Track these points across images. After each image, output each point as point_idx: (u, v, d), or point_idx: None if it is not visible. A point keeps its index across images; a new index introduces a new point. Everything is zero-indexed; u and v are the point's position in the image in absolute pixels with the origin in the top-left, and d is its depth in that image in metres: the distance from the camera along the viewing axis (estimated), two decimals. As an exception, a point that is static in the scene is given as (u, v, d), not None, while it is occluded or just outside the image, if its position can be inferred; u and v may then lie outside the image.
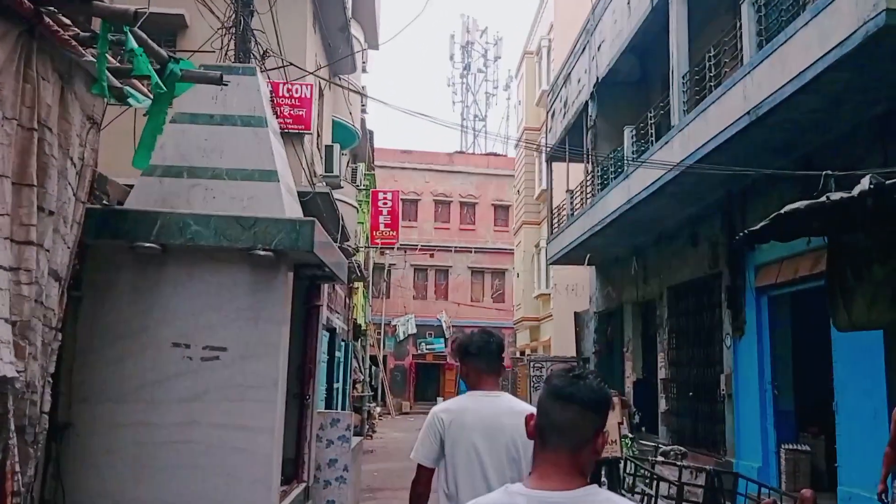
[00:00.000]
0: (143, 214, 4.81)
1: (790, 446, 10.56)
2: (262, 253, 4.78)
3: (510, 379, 27.20)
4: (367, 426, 23.43)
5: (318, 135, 15.78)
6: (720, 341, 12.12)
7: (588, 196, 16.44)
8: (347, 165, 21.40)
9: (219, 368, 4.80)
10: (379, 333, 38.83)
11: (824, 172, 6.04)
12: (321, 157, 14.69)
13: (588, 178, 16.59)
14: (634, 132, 13.43)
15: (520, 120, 31.55)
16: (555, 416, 1.92)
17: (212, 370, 4.80)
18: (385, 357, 39.32)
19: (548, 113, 21.11)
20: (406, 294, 40.38)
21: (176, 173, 5.38)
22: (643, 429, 15.59)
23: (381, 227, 20.14)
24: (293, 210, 5.76)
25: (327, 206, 13.73)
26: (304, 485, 6.22)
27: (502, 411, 3.28)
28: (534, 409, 2.05)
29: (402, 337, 40.16)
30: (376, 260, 38.17)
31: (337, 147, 14.60)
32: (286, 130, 12.70)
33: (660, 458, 7.16)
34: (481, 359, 3.41)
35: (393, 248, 23.34)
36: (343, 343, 21.79)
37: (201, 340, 4.82)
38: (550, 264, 20.28)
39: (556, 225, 19.98)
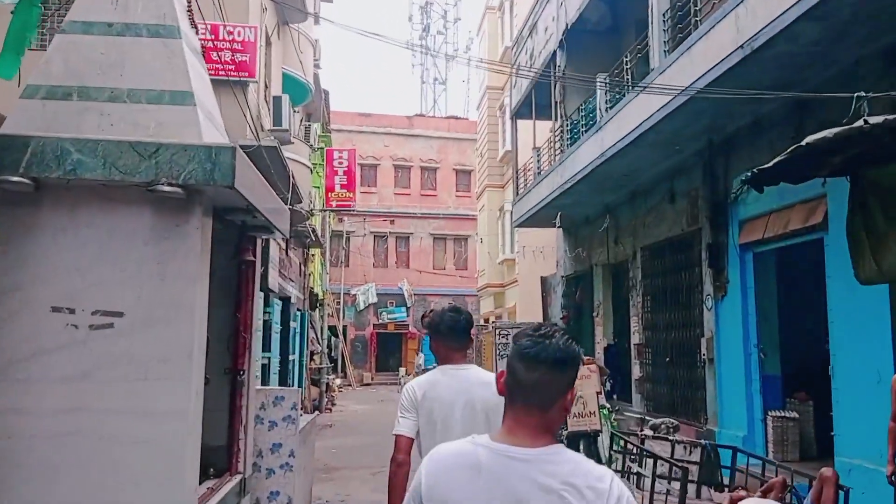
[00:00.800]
0: (6, 141, 3.70)
1: (777, 413, 9.83)
2: (167, 189, 3.72)
3: (475, 347, 26.38)
4: (326, 399, 22.47)
5: (266, 86, 14.56)
6: (700, 303, 11.32)
7: (556, 153, 15.49)
8: (301, 124, 20.19)
9: (113, 338, 3.74)
10: (338, 303, 37.76)
11: (856, 94, 5.11)
12: (269, 111, 13.49)
13: (556, 133, 15.63)
14: (608, 80, 12.46)
15: (481, 80, 30.43)
16: (522, 375, 1.92)
17: (104, 341, 3.74)
18: (345, 327, 38.30)
19: (512, 67, 20.04)
20: (366, 262, 39.30)
21: (63, 95, 4.26)
22: (615, 396, 14.83)
23: (337, 189, 18.99)
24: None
25: (276, 161, 12.57)
26: (239, 476, 5.20)
27: (472, 383, 3.43)
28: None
29: (362, 306, 39.13)
30: (334, 227, 37.00)
31: (286, 99, 13.42)
32: (228, 78, 11.52)
33: (648, 433, 6.32)
34: (451, 336, 3.54)
35: (350, 211, 22.19)
36: (299, 312, 20.71)
37: (90, 303, 3.75)
38: (517, 227, 19.38)
39: (522, 186, 19.04)
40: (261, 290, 13.02)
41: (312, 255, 25.10)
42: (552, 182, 15.43)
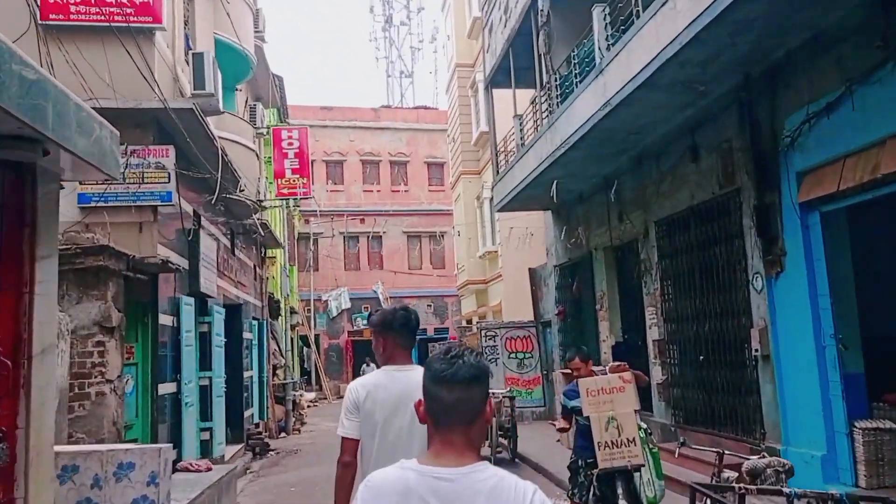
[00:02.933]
0: None
1: (867, 424, 7.37)
2: None
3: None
4: (294, 419, 19.78)
5: (191, 47, 11.89)
6: (745, 284, 8.85)
7: (544, 115, 12.95)
8: (246, 106, 17.53)
9: None
10: (309, 311, 35.07)
11: None
12: (189, 72, 10.83)
13: (543, 93, 13.10)
14: (608, 11, 9.95)
15: (449, 58, 27.89)
16: (443, 397, 1.99)
17: None
18: (318, 336, 35.65)
19: (484, 29, 17.53)
20: (336, 265, 36.63)
21: None
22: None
23: (288, 174, 16.33)
24: None
25: (196, 131, 9.93)
26: None
27: (415, 384, 2.78)
28: None
29: (334, 313, 36.45)
30: (300, 229, 34.34)
31: (209, 56, 10.78)
32: (127, 24, 8.88)
33: (749, 485, 3.84)
34: (402, 334, 3.50)
35: (304, 198, 19.49)
36: (255, 322, 18.03)
37: None
38: (499, 211, 16.84)
39: (503, 164, 16.51)
40: (190, 294, 10.36)
41: (272, 256, 22.43)
42: (540, 152, 12.91)
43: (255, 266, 18.36)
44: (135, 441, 8.62)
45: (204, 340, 12.04)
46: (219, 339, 12.41)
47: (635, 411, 6.44)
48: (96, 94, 8.93)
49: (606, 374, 6.77)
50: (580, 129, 10.70)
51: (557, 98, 12.22)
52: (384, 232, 37.62)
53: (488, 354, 18.40)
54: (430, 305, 37.80)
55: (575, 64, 11.20)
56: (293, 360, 31.32)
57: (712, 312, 9.70)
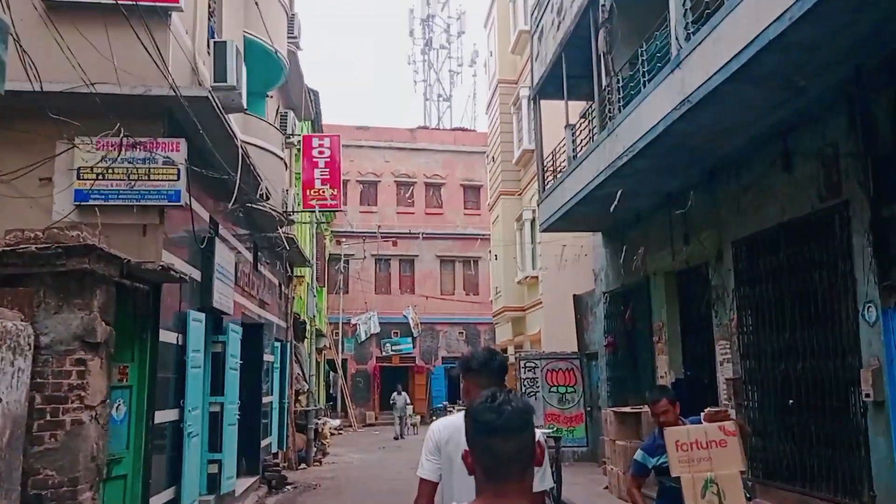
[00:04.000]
0: None
1: None
2: None
3: (491, 382, 22.31)
4: (316, 448, 18.44)
5: (214, 36, 10.79)
6: (853, 315, 7.37)
7: (604, 121, 11.61)
8: (277, 113, 16.44)
9: None
10: (337, 334, 33.85)
11: None
12: (210, 64, 9.69)
13: (601, 97, 11.78)
14: (688, -5, 8.63)
15: (491, 74, 26.75)
16: (496, 450, 1.92)
17: None
18: (345, 361, 34.36)
19: (532, 36, 16.30)
20: (367, 288, 35.37)
21: None
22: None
23: (318, 185, 15.13)
24: None
25: (213, 126, 8.76)
26: None
27: None
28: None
29: (363, 337, 35.16)
30: (331, 250, 33.25)
31: (232, 45, 9.64)
32: (136, 3, 7.76)
33: None
34: (482, 375, 3.42)
35: (336, 220, 18.31)
36: (278, 343, 16.79)
37: None
38: (544, 231, 15.46)
39: (549, 181, 15.19)
40: (201, 309, 9.13)
41: (300, 275, 21.26)
42: (596, 163, 11.57)
43: (280, 284, 17.16)
44: (123, 478, 7.34)
45: (217, 362, 10.80)
46: (234, 361, 11.16)
47: (741, 473, 5.02)
48: (103, 80, 7.82)
49: (701, 422, 5.37)
50: (649, 133, 9.34)
51: (619, 102, 10.89)
52: (417, 255, 36.39)
53: (527, 387, 17.00)
54: (462, 333, 36.43)
55: (643, 61, 9.87)
56: (319, 386, 30.04)
57: (806, 349, 8.22)
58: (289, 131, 15.33)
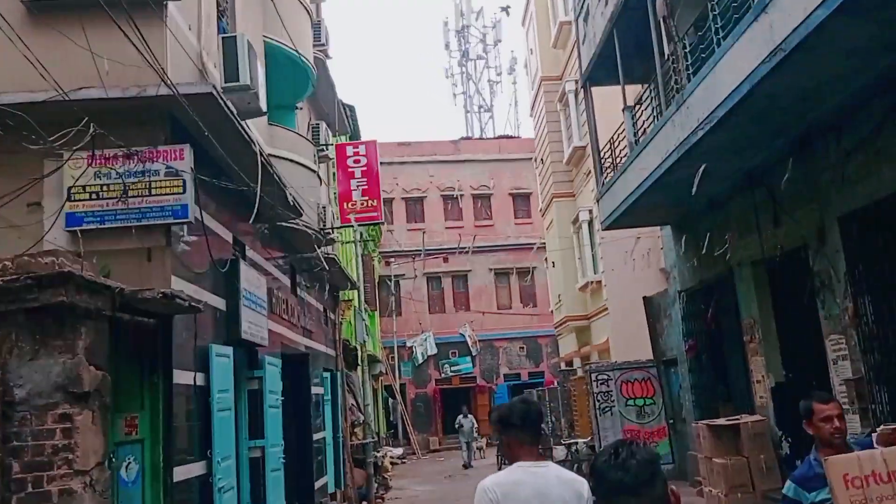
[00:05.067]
0: None
1: None
2: None
3: (559, 398, 20.87)
4: (377, 484, 17.17)
5: (225, 30, 9.71)
6: None
7: (672, 93, 10.19)
8: (309, 127, 15.37)
9: None
10: (392, 359, 32.67)
11: None
12: (222, 64, 8.58)
13: (665, 67, 10.38)
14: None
15: (533, 73, 25.44)
16: None
17: None
18: (403, 386, 33.12)
19: (577, 18, 14.96)
20: (420, 308, 34.15)
21: None
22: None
23: (355, 197, 13.93)
24: None
25: (223, 129, 7.62)
26: None
27: (552, 483, 3.24)
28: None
29: (420, 360, 33.92)
30: (381, 272, 32.15)
31: (243, 39, 8.52)
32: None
33: None
34: (524, 429, 3.33)
35: (377, 224, 17.04)
36: (328, 374, 15.62)
37: None
38: (606, 229, 14.04)
39: (608, 173, 13.78)
40: (228, 342, 7.97)
41: (348, 299, 20.13)
42: (663, 144, 10.16)
43: (325, 309, 16.01)
44: (137, 553, 6.16)
45: (254, 401, 9.62)
46: (273, 398, 9.96)
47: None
48: (91, 83, 6.76)
49: (873, 445, 3.95)
50: (729, 97, 7.92)
51: (688, 70, 9.48)
52: (469, 270, 35.08)
53: (601, 402, 15.51)
54: (523, 348, 34.97)
55: (714, 16, 8.46)
56: (378, 414, 28.86)
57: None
58: (321, 142, 14.18)
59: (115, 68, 6.84)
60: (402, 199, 35.35)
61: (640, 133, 11.96)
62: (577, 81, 17.34)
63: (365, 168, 14.32)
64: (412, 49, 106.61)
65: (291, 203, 10.17)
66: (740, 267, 11.13)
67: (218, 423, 7.47)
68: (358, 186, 14.15)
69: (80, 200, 6.80)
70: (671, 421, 15.18)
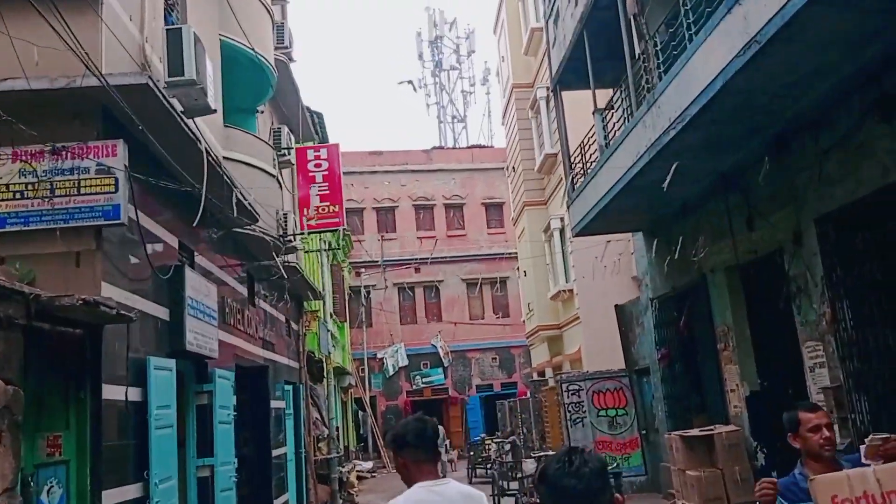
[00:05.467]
0: None
1: None
2: None
3: (531, 409, 20.42)
4: (341, 500, 16.59)
5: (175, 24, 9.15)
6: None
7: (644, 93, 9.81)
8: (271, 131, 14.83)
9: None
10: (363, 371, 32.08)
11: None
12: (163, 53, 8.05)
13: (637, 67, 10.02)
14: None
15: (505, 80, 25.11)
16: None
17: None
18: (373, 398, 32.52)
19: (548, 20, 14.62)
20: (391, 319, 33.61)
21: None
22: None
23: (315, 203, 13.39)
24: None
25: (163, 123, 7.11)
26: None
27: (455, 500, 3.15)
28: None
29: (391, 372, 33.34)
30: (351, 282, 31.59)
31: (190, 31, 8.00)
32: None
33: None
34: (421, 448, 3.18)
35: (354, 251, 16.50)
36: (290, 387, 15.05)
37: None
38: (577, 235, 13.65)
39: (579, 178, 13.41)
40: (171, 354, 7.42)
41: (314, 310, 19.55)
42: (634, 145, 9.80)
43: (287, 320, 15.44)
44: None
45: (203, 416, 9.05)
46: (224, 414, 9.38)
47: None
48: (16, 74, 6.22)
49: (862, 460, 3.52)
50: (702, 94, 7.55)
51: (659, 68, 9.12)
52: (441, 281, 34.61)
53: (572, 413, 15.11)
54: (496, 358, 34.51)
55: (687, 10, 8.10)
56: (347, 428, 28.25)
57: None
58: (283, 146, 13.66)
59: (47, 60, 6.32)
60: (374, 208, 34.86)
61: (610, 136, 11.61)
62: (548, 88, 16.97)
63: (326, 172, 13.81)
64: (386, 59, 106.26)
65: (247, 207, 9.65)
66: (713, 273, 10.78)
67: (156, 442, 6.91)
68: (317, 192, 13.63)
69: (2, 200, 6.25)
70: (644, 432, 14.79)
